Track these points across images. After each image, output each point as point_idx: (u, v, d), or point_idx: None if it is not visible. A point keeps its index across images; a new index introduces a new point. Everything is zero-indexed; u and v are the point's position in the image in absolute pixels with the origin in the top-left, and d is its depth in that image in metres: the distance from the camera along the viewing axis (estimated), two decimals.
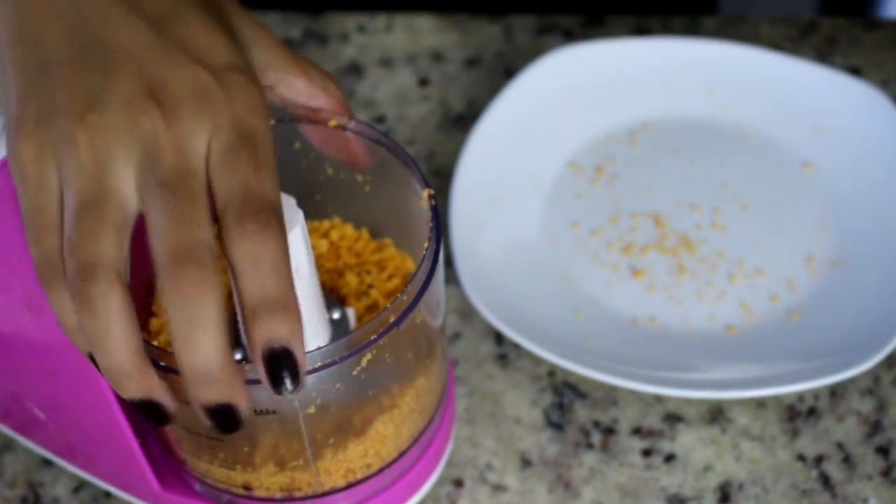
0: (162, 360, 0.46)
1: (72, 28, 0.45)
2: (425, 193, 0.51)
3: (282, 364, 0.43)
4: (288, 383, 0.43)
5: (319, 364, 0.47)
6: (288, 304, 0.42)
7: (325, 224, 0.59)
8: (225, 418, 0.43)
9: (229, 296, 0.50)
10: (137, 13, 0.45)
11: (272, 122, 0.52)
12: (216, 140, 0.43)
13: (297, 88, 0.52)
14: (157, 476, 0.57)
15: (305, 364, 0.43)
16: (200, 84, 0.44)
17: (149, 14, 0.45)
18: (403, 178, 0.53)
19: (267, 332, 0.42)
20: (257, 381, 0.44)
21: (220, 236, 0.43)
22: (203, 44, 0.45)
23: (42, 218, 0.43)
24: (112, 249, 0.42)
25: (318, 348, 0.47)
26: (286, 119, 0.53)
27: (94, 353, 0.43)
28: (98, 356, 0.43)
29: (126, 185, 0.43)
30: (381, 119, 0.78)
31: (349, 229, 0.59)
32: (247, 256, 0.42)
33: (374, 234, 0.59)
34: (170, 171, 0.42)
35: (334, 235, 0.59)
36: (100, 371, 0.44)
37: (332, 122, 0.53)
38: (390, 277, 0.57)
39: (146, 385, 0.44)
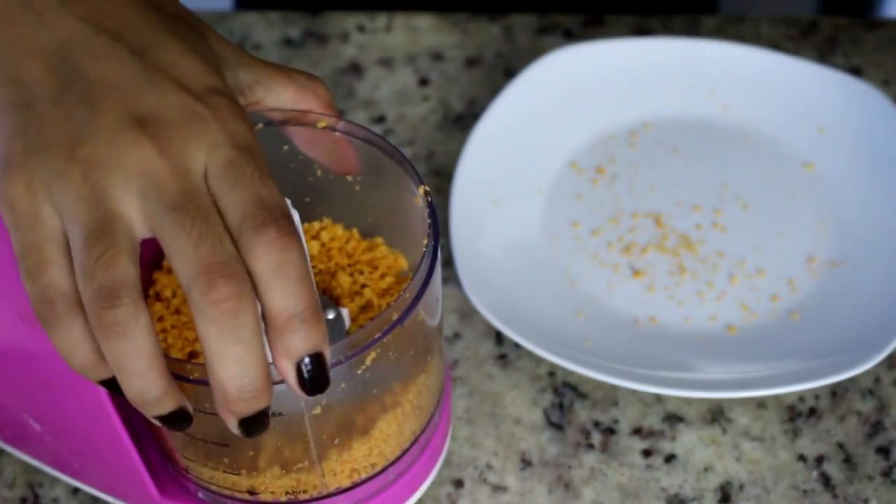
0: (180, 372, 0.46)
1: (54, 64, 0.44)
2: (421, 190, 0.52)
3: (315, 370, 0.43)
4: (319, 387, 0.44)
5: None
6: (318, 311, 0.43)
7: (315, 225, 0.59)
8: (257, 424, 0.44)
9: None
10: (119, 43, 0.45)
11: (260, 125, 0.53)
12: (214, 157, 0.43)
13: (287, 97, 0.52)
14: (157, 485, 0.57)
15: (330, 361, 0.44)
16: (187, 108, 0.44)
17: (130, 43, 0.45)
18: (397, 176, 0.53)
19: (303, 343, 0.43)
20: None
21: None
22: (184, 70, 0.45)
23: (36, 254, 0.43)
24: (130, 271, 0.42)
25: None
26: (274, 122, 0.53)
27: (122, 377, 0.43)
28: (128, 380, 0.43)
29: (130, 211, 0.43)
30: (381, 119, 0.78)
31: (339, 230, 0.59)
32: (273, 266, 0.42)
33: (366, 234, 0.59)
34: (175, 193, 0.42)
35: (325, 237, 0.59)
36: (122, 395, 0.44)
37: (321, 124, 0.53)
38: (383, 276, 0.57)
39: (176, 399, 0.44)
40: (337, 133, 0.54)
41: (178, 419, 0.45)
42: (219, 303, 0.41)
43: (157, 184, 0.42)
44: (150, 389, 0.43)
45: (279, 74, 0.52)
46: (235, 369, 0.42)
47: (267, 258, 0.42)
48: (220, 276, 0.41)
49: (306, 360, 0.43)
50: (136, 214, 0.43)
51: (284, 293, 0.42)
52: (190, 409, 0.45)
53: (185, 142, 0.43)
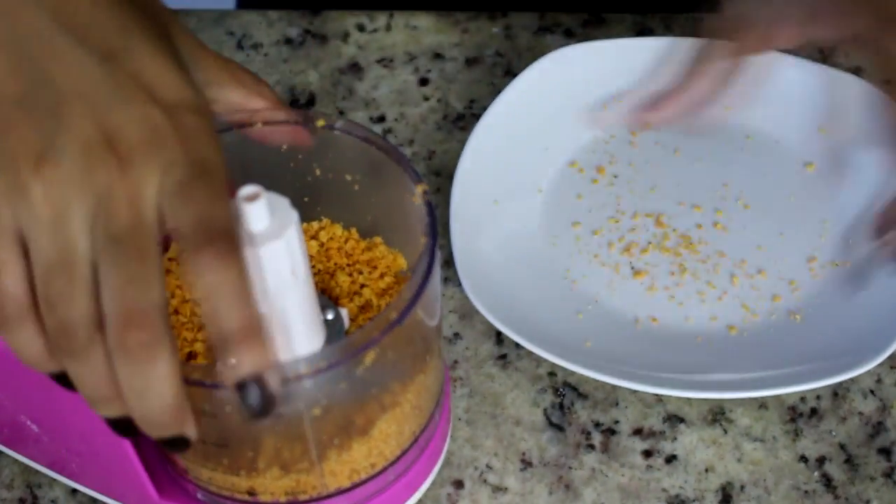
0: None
1: (17, 62, 0.44)
2: (419, 189, 0.51)
3: (253, 392, 0.43)
4: (260, 408, 0.43)
5: (325, 364, 0.47)
6: (253, 332, 0.42)
7: (314, 225, 0.59)
8: (176, 444, 0.45)
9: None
10: (87, 47, 0.44)
11: (259, 125, 0.53)
12: (169, 176, 0.43)
13: (236, 98, 0.52)
14: (156, 485, 0.57)
15: (279, 384, 0.44)
16: (152, 124, 0.43)
17: (99, 47, 0.44)
18: (395, 175, 0.53)
19: (237, 365, 0.42)
20: None
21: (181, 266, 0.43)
22: (154, 78, 0.44)
23: None
24: (86, 308, 0.43)
25: (324, 348, 0.47)
26: (270, 122, 0.53)
27: (83, 392, 0.44)
28: (86, 394, 0.44)
29: (85, 238, 0.43)
30: (381, 119, 0.77)
31: (338, 229, 0.59)
32: (208, 287, 0.42)
33: (365, 234, 0.59)
34: (122, 224, 0.42)
35: (323, 236, 0.59)
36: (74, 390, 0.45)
37: (320, 123, 0.53)
38: (382, 276, 0.57)
39: (123, 407, 0.45)
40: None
41: (124, 426, 0.46)
42: (130, 350, 0.42)
43: (110, 210, 0.42)
44: (104, 399, 0.44)
45: (225, 75, 0.52)
46: (147, 410, 0.43)
47: (202, 280, 0.42)
48: (136, 324, 0.42)
49: (246, 384, 0.43)
50: (90, 240, 0.43)
51: (217, 313, 0.42)
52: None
53: (145, 164, 0.43)
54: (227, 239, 0.43)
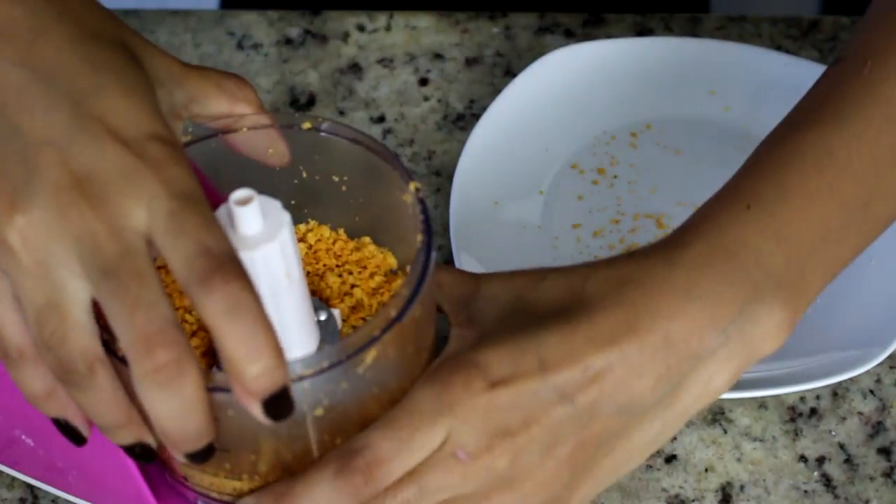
0: None
1: None
2: (412, 187, 0.51)
3: (277, 404, 0.44)
4: (284, 415, 0.45)
5: (327, 364, 0.47)
6: (276, 350, 0.43)
7: (301, 228, 0.59)
8: (204, 454, 0.46)
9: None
10: (56, 92, 0.44)
11: (245, 130, 0.53)
12: (155, 209, 0.43)
13: (221, 108, 0.53)
14: (155, 494, 0.56)
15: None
16: (125, 162, 0.43)
17: (68, 90, 0.44)
18: (386, 174, 0.53)
19: (266, 386, 0.43)
20: None
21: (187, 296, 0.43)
22: (123, 116, 0.44)
23: None
24: (82, 342, 0.44)
25: (325, 348, 0.47)
26: (257, 126, 0.54)
27: (94, 419, 0.46)
28: (99, 421, 0.46)
29: (73, 280, 0.43)
30: (381, 119, 0.77)
31: (326, 231, 0.59)
32: (223, 314, 0.42)
33: (355, 234, 0.59)
34: (110, 257, 0.42)
35: (311, 238, 0.59)
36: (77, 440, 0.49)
37: (306, 125, 0.53)
38: (372, 275, 0.57)
39: (137, 433, 0.47)
40: (270, 129, 0.54)
41: (141, 452, 0.48)
42: (160, 370, 0.42)
43: (94, 248, 0.42)
44: (116, 425, 0.46)
45: (210, 86, 0.52)
46: (179, 423, 0.43)
47: (214, 307, 0.42)
48: (158, 344, 0.42)
49: (276, 399, 0.44)
50: (80, 281, 0.43)
51: (236, 339, 0.42)
52: (153, 443, 0.47)
53: (123, 199, 0.43)
54: (233, 262, 0.43)
